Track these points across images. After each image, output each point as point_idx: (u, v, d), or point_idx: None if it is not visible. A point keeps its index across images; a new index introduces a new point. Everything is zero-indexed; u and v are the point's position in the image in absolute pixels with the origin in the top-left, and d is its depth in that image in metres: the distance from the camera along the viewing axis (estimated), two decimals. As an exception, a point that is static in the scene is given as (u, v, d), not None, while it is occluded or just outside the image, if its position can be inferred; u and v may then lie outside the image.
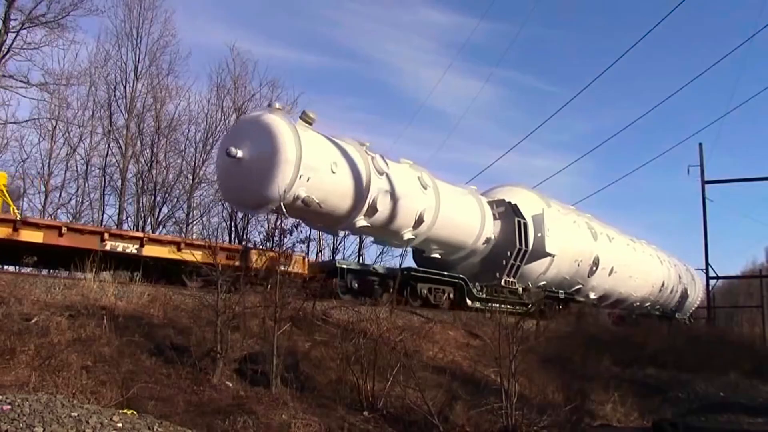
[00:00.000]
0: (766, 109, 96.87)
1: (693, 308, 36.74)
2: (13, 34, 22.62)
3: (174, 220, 29.20)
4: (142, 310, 10.89)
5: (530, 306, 19.84)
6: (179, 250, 14.49)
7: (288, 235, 12.37)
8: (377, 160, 16.52)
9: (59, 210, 27.13)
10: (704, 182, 32.21)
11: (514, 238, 20.36)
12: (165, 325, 10.47)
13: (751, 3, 69.46)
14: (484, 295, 19.70)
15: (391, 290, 16.34)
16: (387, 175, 16.78)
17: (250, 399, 8.81)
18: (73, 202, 28.03)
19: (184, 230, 28.30)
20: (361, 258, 30.84)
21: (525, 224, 20.91)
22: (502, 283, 20.30)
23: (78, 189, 27.91)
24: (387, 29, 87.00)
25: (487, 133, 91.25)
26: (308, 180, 14.47)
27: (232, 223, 28.79)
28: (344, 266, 16.79)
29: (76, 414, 6.29)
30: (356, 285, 16.56)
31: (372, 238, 21.27)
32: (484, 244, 20.42)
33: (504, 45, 78.42)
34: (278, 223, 12.90)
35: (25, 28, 22.90)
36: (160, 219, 28.46)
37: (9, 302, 9.53)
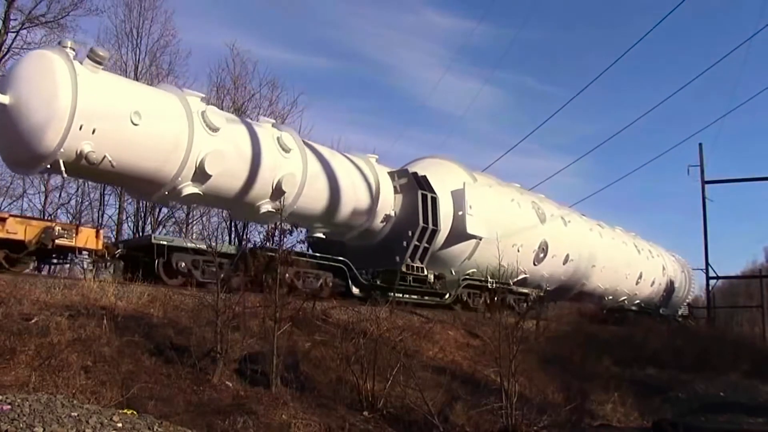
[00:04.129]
0: (766, 109, 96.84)
1: (683, 304, 35.14)
2: (13, 34, 22.73)
3: (174, 220, 29.22)
4: (142, 310, 10.88)
5: (445, 297, 18.25)
6: None
7: (288, 235, 12.23)
8: (209, 113, 13.75)
9: (59, 210, 27.15)
10: (704, 182, 32.24)
11: (417, 215, 17.50)
12: (165, 325, 10.46)
13: (751, 3, 69.47)
14: (378, 283, 17.02)
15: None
16: (224, 133, 13.92)
17: (250, 399, 8.81)
18: (73, 202, 28.06)
19: (183, 230, 28.32)
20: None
21: (434, 199, 17.85)
22: (404, 268, 17.33)
23: (78, 189, 27.87)
24: (389, 31, 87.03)
25: (489, 134, 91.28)
26: (94, 132, 11.88)
27: (232, 224, 28.77)
28: (163, 243, 13.75)
29: (76, 414, 6.29)
30: (184, 266, 13.70)
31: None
32: (382, 222, 17.62)
33: (508, 48, 78.48)
34: (277, 223, 12.42)
35: (25, 28, 22.97)
36: (160, 219, 28.47)
37: (9, 302, 9.51)
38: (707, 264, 32.09)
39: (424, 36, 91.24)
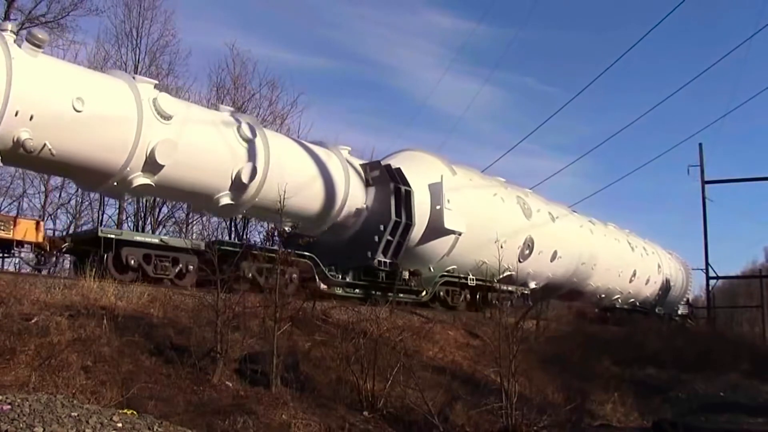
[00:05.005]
0: (766, 109, 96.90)
1: (681, 303, 34.72)
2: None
3: (174, 220, 29.22)
4: (142, 310, 10.88)
5: (423, 294, 17.79)
6: None
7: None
8: (161, 101, 12.99)
9: (59, 210, 27.14)
10: (704, 182, 32.31)
11: (390, 209, 16.71)
12: (165, 325, 10.47)
13: (751, 3, 69.50)
14: (348, 279, 16.45)
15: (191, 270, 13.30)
16: (178, 121, 13.21)
17: (250, 399, 8.82)
18: (72, 202, 28.05)
19: (183, 230, 28.31)
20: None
21: (408, 192, 17.05)
22: (375, 264, 16.54)
23: (78, 189, 27.87)
24: (390, 32, 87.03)
25: (489, 134, 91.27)
26: (32, 118, 11.31)
27: (232, 224, 28.76)
28: (111, 236, 13.07)
29: (76, 414, 6.29)
30: (134, 262, 13.07)
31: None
32: (353, 216, 16.92)
33: (508, 48, 78.43)
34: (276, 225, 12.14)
35: (25, 28, 22.89)
36: (160, 219, 28.47)
37: (9, 302, 9.52)
38: (707, 264, 32.17)
39: (424, 36, 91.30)
